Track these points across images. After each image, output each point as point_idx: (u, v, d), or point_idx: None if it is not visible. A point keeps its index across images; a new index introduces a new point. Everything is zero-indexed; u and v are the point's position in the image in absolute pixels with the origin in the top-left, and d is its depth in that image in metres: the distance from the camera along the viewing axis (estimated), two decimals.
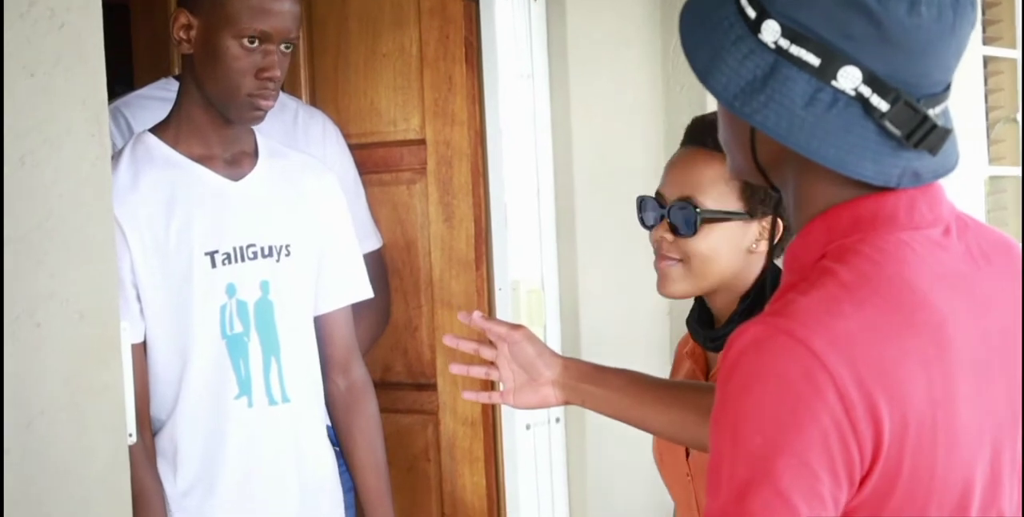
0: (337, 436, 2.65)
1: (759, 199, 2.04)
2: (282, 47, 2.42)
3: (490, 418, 3.06)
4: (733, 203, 2.05)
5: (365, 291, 2.67)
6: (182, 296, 2.38)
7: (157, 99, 2.75)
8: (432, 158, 3.10)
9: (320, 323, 2.58)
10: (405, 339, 3.17)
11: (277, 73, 2.35)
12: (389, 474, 2.66)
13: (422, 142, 3.11)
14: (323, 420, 2.60)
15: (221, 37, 2.32)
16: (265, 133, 2.59)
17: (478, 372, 2.02)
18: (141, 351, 2.37)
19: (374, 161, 3.16)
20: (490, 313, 3.02)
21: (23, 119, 1.94)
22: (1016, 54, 4.65)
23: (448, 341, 2.03)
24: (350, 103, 3.21)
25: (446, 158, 3.08)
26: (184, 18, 2.35)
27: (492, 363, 2.01)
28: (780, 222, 2.03)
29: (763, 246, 2.07)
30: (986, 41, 4.50)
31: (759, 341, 1.24)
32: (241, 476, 2.44)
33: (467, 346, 2.02)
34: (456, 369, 2.04)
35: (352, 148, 3.12)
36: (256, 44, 2.33)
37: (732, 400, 1.25)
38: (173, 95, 2.48)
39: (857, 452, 1.21)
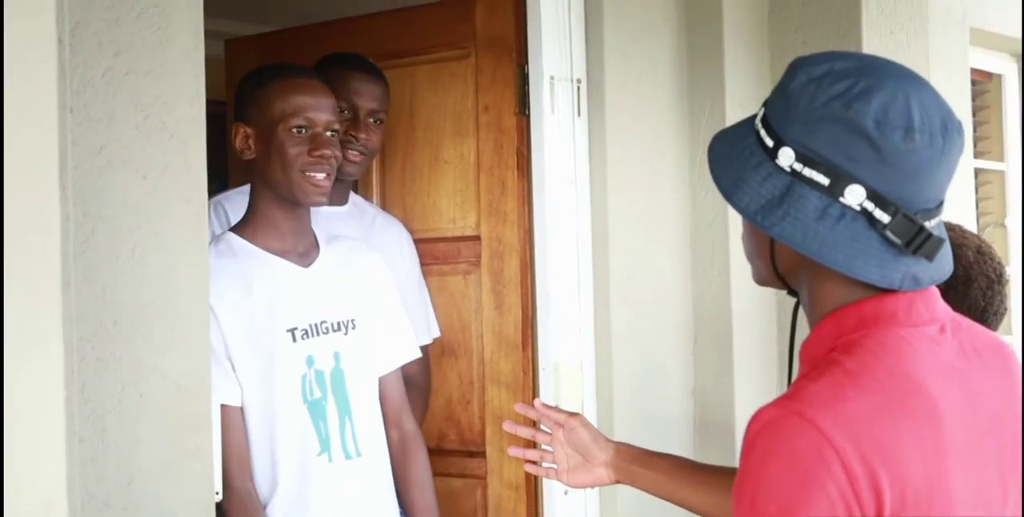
0: (395, 481, 2.67)
1: None
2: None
3: (533, 484, 3.07)
4: None
5: (413, 352, 2.75)
6: (269, 368, 2.44)
7: None
8: (486, 252, 3.14)
9: (378, 384, 2.65)
10: (458, 412, 3.19)
11: (327, 151, 2.46)
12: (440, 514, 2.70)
13: (477, 238, 3.15)
14: (389, 471, 2.63)
15: (275, 132, 2.45)
16: (344, 231, 2.68)
17: (534, 455, 2.04)
18: (240, 414, 2.42)
19: (434, 254, 3.20)
20: (534, 390, 3.04)
21: (134, 215, 2.01)
22: (1003, 166, 4.68)
23: (508, 427, 2.05)
24: (415, 202, 3.26)
25: (498, 252, 3.12)
26: (242, 130, 2.50)
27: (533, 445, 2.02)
28: None
29: None
30: (977, 154, 4.53)
31: (774, 421, 1.27)
32: None
33: (525, 432, 2.03)
34: (515, 452, 2.05)
35: (416, 242, 3.18)
36: (303, 133, 2.45)
37: (750, 473, 1.27)
38: None
39: None
